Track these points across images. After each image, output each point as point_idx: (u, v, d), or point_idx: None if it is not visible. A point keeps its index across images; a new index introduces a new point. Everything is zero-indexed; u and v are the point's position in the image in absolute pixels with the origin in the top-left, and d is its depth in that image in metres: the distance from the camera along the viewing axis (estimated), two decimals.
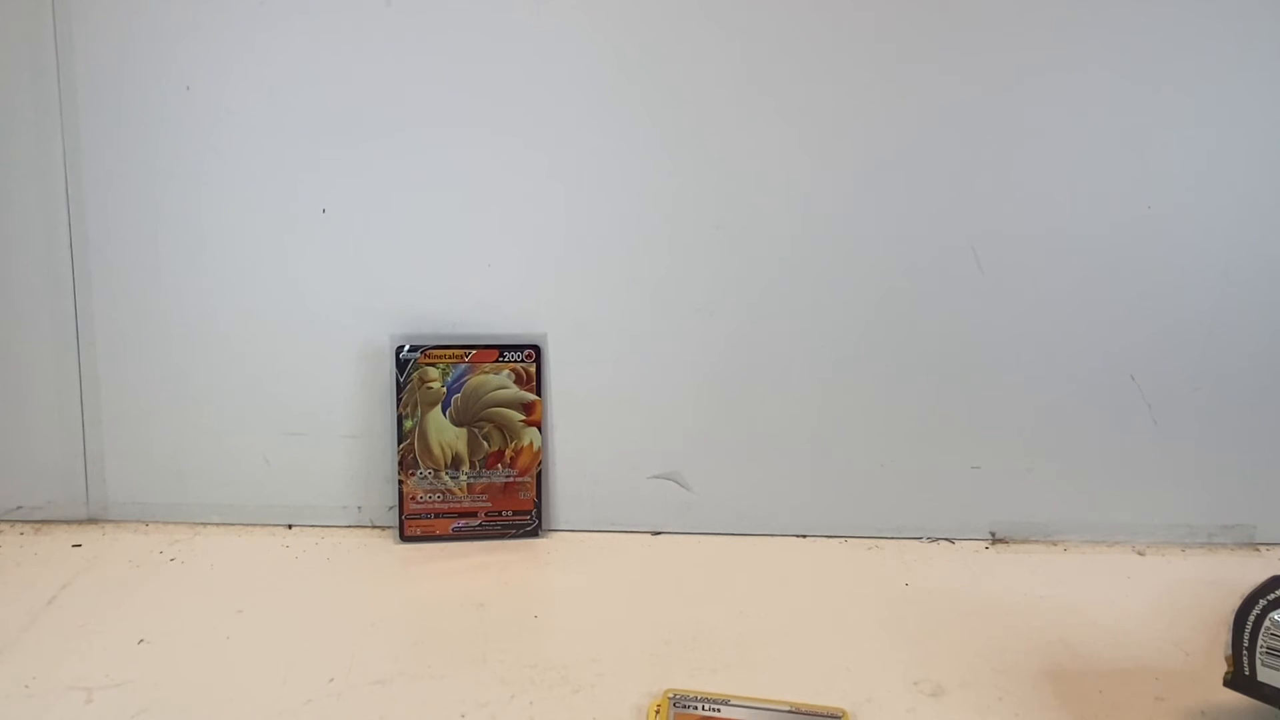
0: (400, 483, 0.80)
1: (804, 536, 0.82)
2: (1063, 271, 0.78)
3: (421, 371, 0.78)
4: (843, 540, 0.82)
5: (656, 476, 0.82)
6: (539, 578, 0.75)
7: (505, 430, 0.80)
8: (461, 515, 0.80)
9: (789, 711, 0.59)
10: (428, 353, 0.78)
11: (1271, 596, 0.55)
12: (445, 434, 0.79)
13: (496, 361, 0.79)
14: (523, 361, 0.79)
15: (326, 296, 0.79)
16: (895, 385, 0.80)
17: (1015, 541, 0.82)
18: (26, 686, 0.61)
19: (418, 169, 0.77)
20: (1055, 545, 0.82)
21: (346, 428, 0.81)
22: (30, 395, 0.80)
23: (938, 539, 0.82)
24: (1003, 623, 0.70)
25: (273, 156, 0.77)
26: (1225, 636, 0.57)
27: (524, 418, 0.80)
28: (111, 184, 0.77)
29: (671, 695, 0.60)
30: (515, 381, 0.79)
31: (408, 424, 0.79)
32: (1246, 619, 0.56)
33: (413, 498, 0.80)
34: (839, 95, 0.76)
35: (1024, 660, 0.66)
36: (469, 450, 0.80)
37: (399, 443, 0.79)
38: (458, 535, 0.80)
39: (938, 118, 0.76)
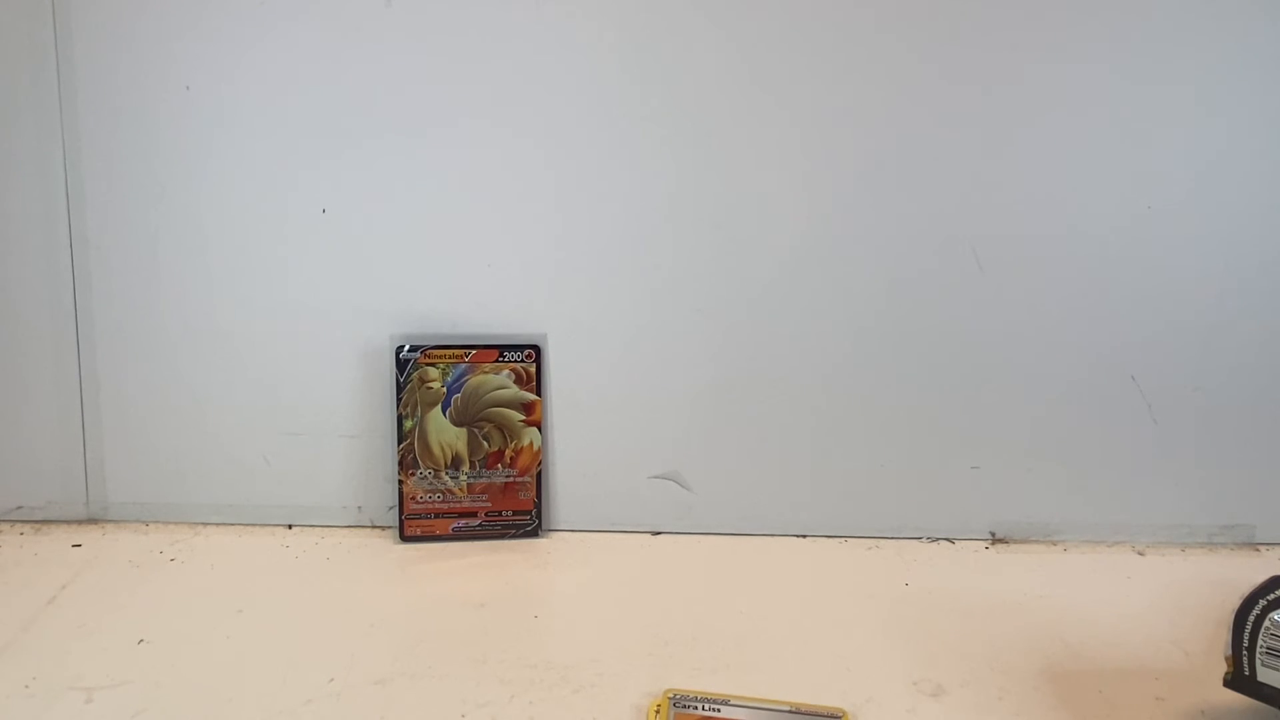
0: (400, 483, 0.80)
1: (804, 536, 0.82)
2: (1062, 271, 0.78)
3: (421, 371, 0.78)
4: (843, 540, 0.82)
5: (656, 476, 0.82)
6: (539, 578, 0.75)
7: (505, 430, 0.80)
8: (461, 515, 0.80)
9: (789, 711, 0.59)
10: (428, 353, 0.78)
11: (1271, 596, 0.55)
12: (445, 434, 0.79)
13: (496, 361, 0.79)
14: (523, 361, 0.79)
15: (326, 296, 0.79)
16: (895, 385, 0.80)
17: (1015, 541, 0.82)
18: (26, 686, 0.61)
19: (417, 169, 0.77)
20: (1055, 545, 0.82)
21: (346, 428, 0.81)
22: (30, 395, 0.80)
23: (938, 539, 0.82)
24: (1003, 623, 0.70)
25: (273, 156, 0.77)
26: (1225, 636, 0.57)
27: (524, 418, 0.80)
28: (111, 184, 0.77)
29: (671, 695, 0.60)
30: (515, 381, 0.79)
31: (408, 424, 0.79)
32: (1246, 619, 0.56)
33: (413, 498, 0.80)
34: (839, 94, 0.76)
35: (1024, 660, 0.66)
36: (469, 450, 0.80)
37: (399, 443, 0.79)
38: (458, 535, 0.80)
39: (938, 117, 0.76)
